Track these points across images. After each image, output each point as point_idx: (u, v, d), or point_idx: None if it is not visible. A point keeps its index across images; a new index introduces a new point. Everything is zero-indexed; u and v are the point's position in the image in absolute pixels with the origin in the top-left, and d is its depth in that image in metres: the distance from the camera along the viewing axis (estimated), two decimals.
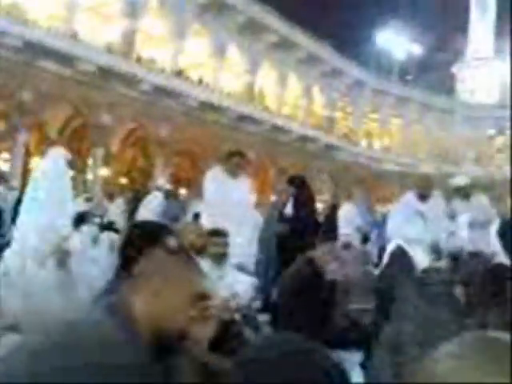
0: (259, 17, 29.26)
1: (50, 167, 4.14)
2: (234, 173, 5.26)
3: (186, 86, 25.91)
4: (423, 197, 5.58)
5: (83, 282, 4.04)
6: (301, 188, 6.50)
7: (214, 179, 5.27)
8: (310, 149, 32.86)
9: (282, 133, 30.82)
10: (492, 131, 42.50)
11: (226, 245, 3.90)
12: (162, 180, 25.19)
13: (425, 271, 2.94)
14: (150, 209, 10.83)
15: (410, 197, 5.61)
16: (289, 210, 6.99)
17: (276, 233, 5.86)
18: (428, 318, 2.35)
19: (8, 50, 19.10)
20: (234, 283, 3.73)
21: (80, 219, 6.26)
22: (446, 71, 51.87)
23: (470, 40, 52.09)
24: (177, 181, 26.19)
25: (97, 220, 10.59)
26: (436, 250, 5.66)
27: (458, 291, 2.60)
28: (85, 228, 6.14)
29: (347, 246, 6.18)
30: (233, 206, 5.12)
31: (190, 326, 1.22)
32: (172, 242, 3.15)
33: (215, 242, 3.84)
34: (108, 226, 8.18)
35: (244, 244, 5.12)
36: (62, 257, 3.89)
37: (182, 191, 21.84)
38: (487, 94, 48.46)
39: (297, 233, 5.55)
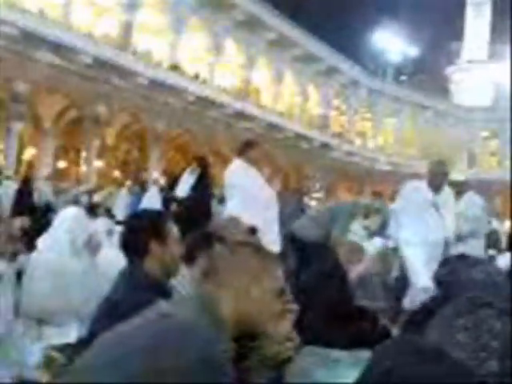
0: (257, 13, 29.16)
1: None
2: (255, 163, 4.91)
3: (183, 81, 25.79)
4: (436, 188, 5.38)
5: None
6: (206, 169, 6.22)
7: (244, 174, 4.85)
8: (304, 147, 32.88)
9: (276, 130, 30.79)
10: (485, 133, 42.70)
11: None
12: (155, 174, 25.09)
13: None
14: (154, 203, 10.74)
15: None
16: (182, 191, 6.59)
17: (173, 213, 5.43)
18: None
19: (4, 39, 18.90)
20: None
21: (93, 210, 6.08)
22: (440, 73, 52.11)
23: (465, 43, 52.32)
24: (170, 175, 26.04)
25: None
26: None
27: None
28: (101, 220, 5.97)
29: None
30: (264, 194, 4.85)
31: (271, 322, 1.25)
32: (257, 239, 3.06)
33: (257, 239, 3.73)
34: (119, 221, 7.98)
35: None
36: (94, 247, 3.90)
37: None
38: (480, 96, 48.68)
39: (199, 214, 5.20)
